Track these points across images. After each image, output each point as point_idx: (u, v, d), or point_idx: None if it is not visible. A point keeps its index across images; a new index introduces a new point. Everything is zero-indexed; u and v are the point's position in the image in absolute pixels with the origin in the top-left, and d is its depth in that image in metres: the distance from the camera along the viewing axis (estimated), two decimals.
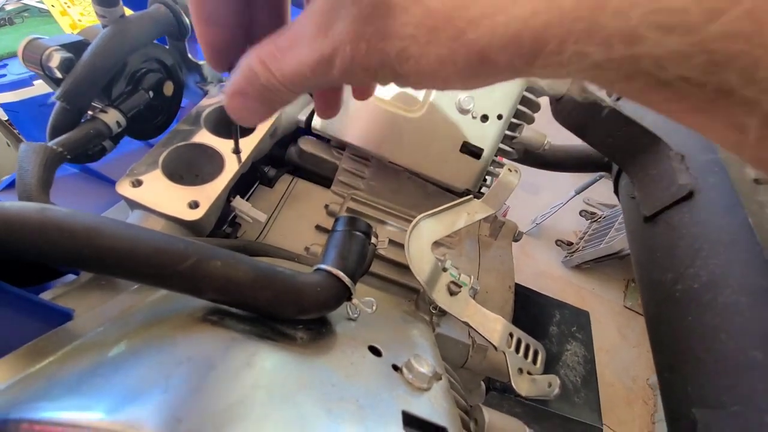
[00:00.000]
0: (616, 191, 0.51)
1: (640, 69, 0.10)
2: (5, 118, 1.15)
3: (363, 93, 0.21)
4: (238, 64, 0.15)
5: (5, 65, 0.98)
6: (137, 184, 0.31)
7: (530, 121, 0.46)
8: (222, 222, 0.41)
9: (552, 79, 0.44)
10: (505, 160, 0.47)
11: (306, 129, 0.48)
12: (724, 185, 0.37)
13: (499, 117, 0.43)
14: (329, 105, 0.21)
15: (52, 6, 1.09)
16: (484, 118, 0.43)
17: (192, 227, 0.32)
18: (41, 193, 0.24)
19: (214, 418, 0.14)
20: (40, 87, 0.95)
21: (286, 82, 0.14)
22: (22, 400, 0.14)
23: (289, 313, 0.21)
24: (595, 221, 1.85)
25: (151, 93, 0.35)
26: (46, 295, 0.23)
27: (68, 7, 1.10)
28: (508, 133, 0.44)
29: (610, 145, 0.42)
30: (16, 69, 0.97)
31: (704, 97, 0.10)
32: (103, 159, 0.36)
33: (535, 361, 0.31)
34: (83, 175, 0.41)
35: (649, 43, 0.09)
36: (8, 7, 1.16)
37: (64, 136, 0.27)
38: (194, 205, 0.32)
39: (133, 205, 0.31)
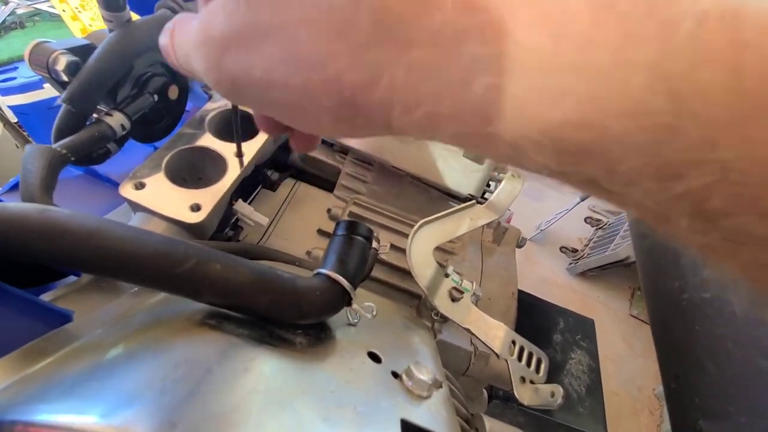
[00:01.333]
0: None
1: (499, 152, 0.09)
2: (15, 120, 1.16)
3: (302, 144, 0.20)
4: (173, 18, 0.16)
5: (16, 68, 0.99)
6: (140, 186, 0.31)
7: None
8: (224, 225, 0.41)
9: None
10: (508, 166, 0.47)
11: None
12: None
13: None
14: (306, 140, 0.20)
15: (63, 11, 1.11)
16: None
17: (194, 230, 0.32)
18: (44, 194, 0.24)
19: (210, 424, 0.14)
20: (49, 90, 0.97)
21: (178, 53, 0.15)
22: (18, 402, 0.14)
23: (288, 318, 0.21)
24: (600, 228, 1.84)
25: (156, 96, 0.35)
26: (46, 297, 0.23)
27: (79, 12, 1.12)
28: None
29: None
30: (26, 72, 0.98)
31: (577, 186, 0.09)
32: (107, 161, 0.36)
33: (538, 370, 0.30)
34: (87, 177, 0.41)
35: (504, 124, 0.09)
36: (19, 11, 1.18)
37: (68, 139, 0.28)
38: (196, 207, 0.32)
39: (136, 207, 0.31)
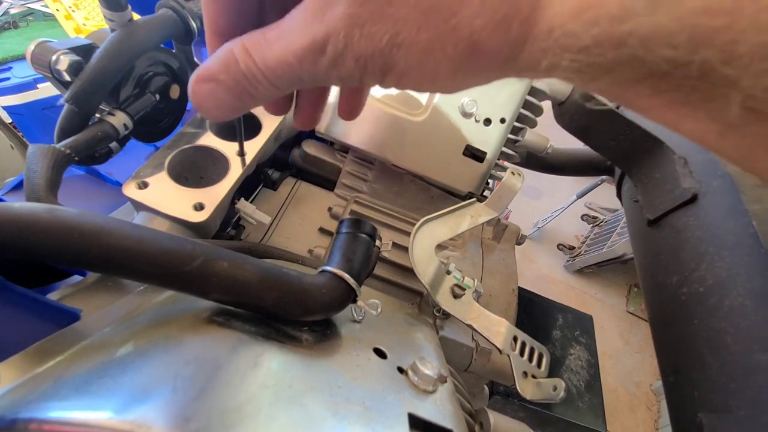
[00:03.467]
0: (618, 195, 0.51)
1: (626, 54, 0.10)
2: (9, 120, 1.15)
3: (350, 110, 0.20)
4: (220, 49, 0.14)
5: (9, 68, 0.98)
6: (143, 186, 0.31)
7: (533, 124, 0.46)
8: (226, 224, 0.41)
9: (555, 82, 0.44)
10: (507, 164, 0.47)
11: (310, 132, 0.49)
12: (727, 188, 0.37)
13: (502, 121, 0.43)
14: (313, 111, 0.20)
15: (57, 10, 1.10)
16: (487, 121, 0.43)
17: (197, 229, 0.32)
18: (49, 194, 0.24)
19: (223, 417, 0.14)
20: (44, 90, 0.96)
21: (268, 72, 0.13)
22: (30, 400, 0.14)
23: (294, 315, 0.21)
24: (596, 225, 1.85)
25: (157, 96, 0.35)
26: (53, 296, 0.23)
27: (73, 11, 1.11)
28: (510, 136, 0.44)
29: (613, 148, 0.42)
30: (21, 72, 0.97)
31: (686, 83, 0.09)
32: (108, 161, 0.36)
33: (539, 365, 0.31)
34: (89, 176, 0.41)
35: (637, 21, 0.09)
36: (13, 11, 1.17)
37: (71, 139, 0.28)
38: (199, 207, 0.32)
39: (139, 206, 0.31)
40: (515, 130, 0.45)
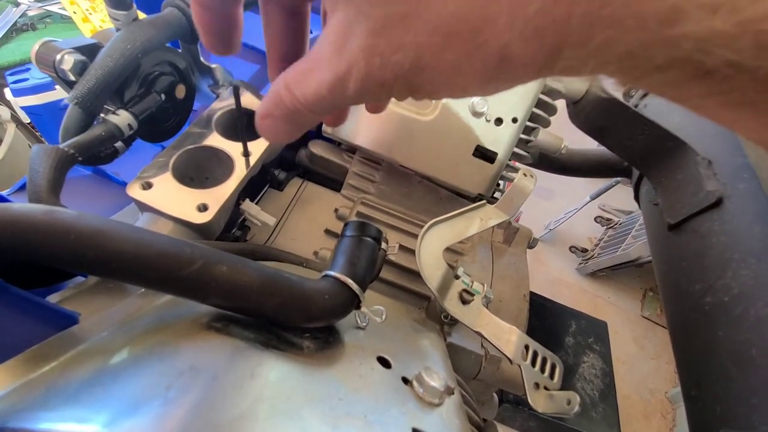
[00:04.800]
0: (636, 197, 0.49)
1: (679, 55, 0.09)
2: (27, 121, 1.18)
3: (376, 107, 0.22)
4: (270, 89, 0.16)
5: (28, 69, 1.01)
6: (147, 186, 0.31)
7: (546, 124, 0.45)
8: (231, 225, 0.41)
9: (570, 80, 0.43)
10: (519, 165, 0.46)
11: (317, 132, 0.48)
12: (754, 191, 0.35)
13: (514, 120, 0.41)
14: (337, 116, 0.21)
15: (74, 12, 1.12)
16: (499, 121, 0.42)
17: (201, 230, 0.32)
18: (51, 194, 0.24)
19: None
20: (61, 91, 0.98)
21: (308, 105, 0.15)
22: (20, 409, 0.14)
23: (295, 321, 0.21)
24: (610, 228, 1.81)
25: (163, 96, 0.35)
26: (53, 298, 0.22)
27: (90, 13, 1.13)
28: (523, 136, 0.43)
29: (631, 149, 0.41)
30: (39, 73, 0.99)
31: (752, 86, 0.09)
32: (115, 161, 0.36)
33: (552, 376, 0.29)
34: (95, 176, 0.41)
35: (693, 22, 0.08)
36: (31, 13, 1.20)
37: (75, 138, 0.27)
38: (203, 208, 0.31)
39: (143, 207, 0.31)
40: (528, 130, 0.43)
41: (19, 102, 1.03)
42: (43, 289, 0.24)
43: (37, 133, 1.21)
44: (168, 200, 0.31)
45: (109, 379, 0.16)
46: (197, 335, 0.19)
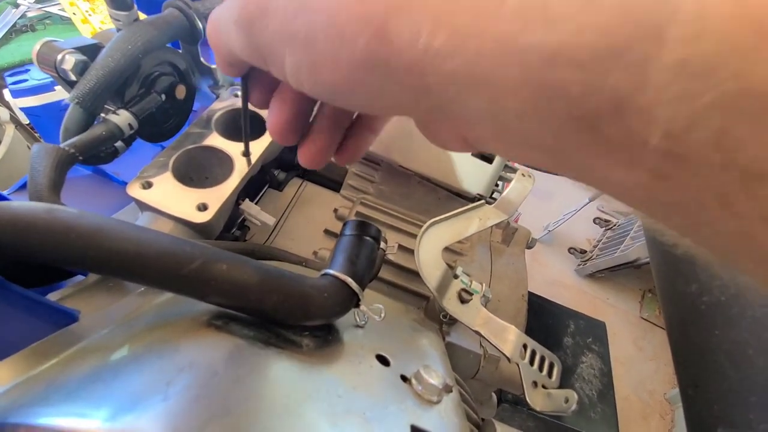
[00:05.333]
0: None
1: (532, 80, 0.08)
2: (27, 122, 1.18)
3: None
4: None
5: (27, 70, 1.00)
6: (147, 186, 0.31)
7: None
8: (231, 225, 0.41)
9: None
10: (517, 165, 0.46)
11: None
12: None
13: None
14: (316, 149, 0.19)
15: (74, 14, 1.12)
16: None
17: (200, 230, 0.32)
18: (52, 193, 0.24)
19: (214, 429, 0.13)
20: (61, 92, 0.98)
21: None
22: (21, 404, 0.14)
23: (295, 319, 0.21)
24: (609, 229, 1.81)
25: (163, 96, 0.35)
26: (53, 296, 0.23)
27: (89, 14, 1.13)
28: None
29: None
30: (38, 74, 0.99)
31: (607, 121, 0.08)
32: (116, 160, 0.36)
33: (550, 375, 0.29)
34: (95, 176, 0.41)
35: (536, 35, 0.08)
36: (30, 14, 1.20)
37: (76, 138, 0.28)
38: (203, 207, 0.31)
39: (143, 206, 0.31)
40: None
41: (18, 103, 1.03)
42: (43, 288, 0.24)
43: (36, 134, 1.21)
44: (168, 200, 0.31)
45: (109, 375, 0.16)
46: (197, 333, 0.19)
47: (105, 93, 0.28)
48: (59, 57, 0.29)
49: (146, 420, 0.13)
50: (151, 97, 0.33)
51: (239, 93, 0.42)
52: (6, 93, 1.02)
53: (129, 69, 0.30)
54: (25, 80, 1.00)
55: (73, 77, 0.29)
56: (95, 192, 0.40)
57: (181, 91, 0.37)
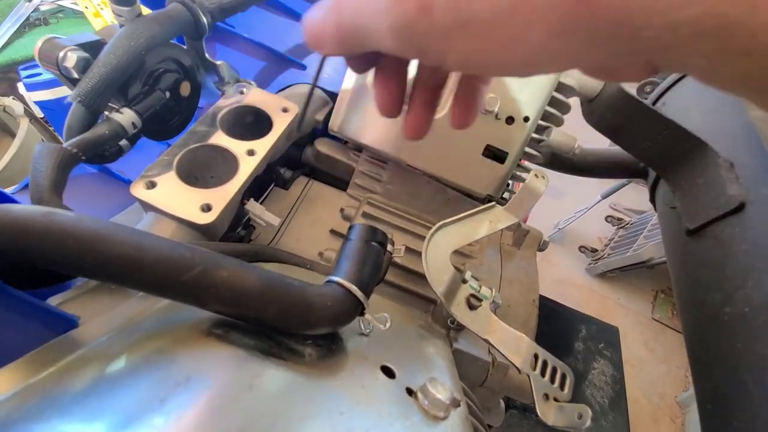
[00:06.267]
0: (652, 200, 0.47)
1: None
2: (41, 115, 1.20)
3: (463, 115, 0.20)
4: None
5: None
6: (151, 186, 0.30)
7: (559, 123, 0.43)
8: (236, 224, 0.40)
9: (584, 77, 0.41)
10: (530, 164, 0.44)
11: (323, 130, 0.47)
12: None
13: (526, 119, 0.40)
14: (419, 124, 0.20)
15: (86, 8, 1.13)
16: (510, 120, 0.40)
17: (204, 231, 0.31)
18: (53, 194, 0.23)
19: None
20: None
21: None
22: (15, 419, 0.14)
23: (297, 328, 0.20)
24: (622, 227, 1.77)
25: (167, 93, 0.34)
26: (54, 300, 0.22)
27: (101, 8, 1.13)
28: (535, 136, 0.42)
29: (648, 150, 0.39)
30: None
31: None
32: (121, 159, 0.36)
33: (562, 387, 0.28)
34: (101, 175, 0.41)
35: None
36: (43, 8, 1.21)
37: (79, 137, 0.27)
38: (207, 208, 0.31)
39: (147, 207, 0.31)
40: (540, 129, 0.42)
41: (33, 97, 1.04)
42: (44, 290, 0.23)
43: (50, 128, 1.23)
44: (172, 200, 0.30)
45: (105, 389, 0.15)
46: (196, 342, 0.19)
47: (107, 91, 0.28)
48: (61, 54, 0.28)
49: None
50: (156, 94, 0.33)
51: (245, 90, 0.41)
52: (20, 87, 1.03)
53: (132, 66, 0.29)
54: (39, 74, 1.01)
55: (75, 75, 0.29)
56: (100, 191, 0.40)
57: (185, 88, 0.36)
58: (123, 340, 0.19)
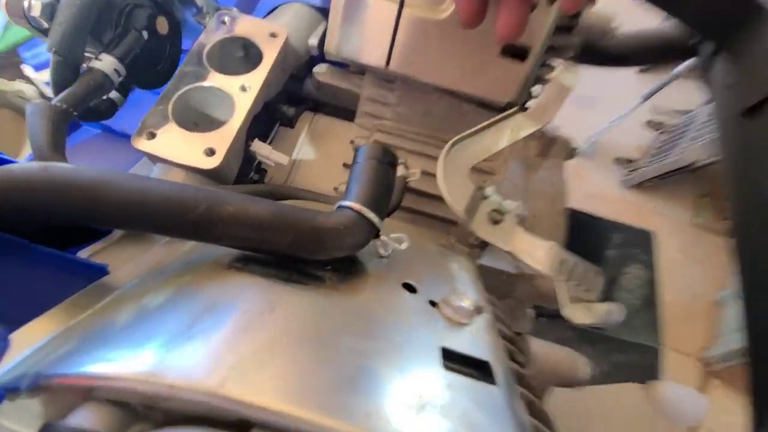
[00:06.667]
0: (706, 80, 0.41)
1: None
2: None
3: None
4: None
5: (39, 43, 0.98)
6: (151, 136, 0.30)
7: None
8: (248, 169, 0.40)
9: None
10: (557, 61, 0.39)
11: (320, 56, 0.43)
12: None
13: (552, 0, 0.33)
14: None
15: None
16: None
17: (213, 175, 0.31)
18: (54, 152, 0.23)
19: (241, 365, 0.13)
20: None
21: None
22: (56, 357, 0.15)
23: (312, 255, 0.20)
24: (664, 132, 1.62)
25: (144, 33, 0.32)
26: (84, 252, 0.23)
27: None
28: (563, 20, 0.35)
29: (705, 15, 0.32)
30: None
31: None
32: (122, 117, 0.35)
33: (592, 287, 0.28)
34: (105, 134, 0.41)
35: None
36: None
37: (66, 92, 0.26)
38: (210, 152, 0.30)
39: (153, 158, 0.30)
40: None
41: (40, 77, 1.02)
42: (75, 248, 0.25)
43: None
44: (174, 148, 0.30)
45: (138, 321, 0.16)
46: (218, 275, 0.19)
47: (79, 34, 0.26)
48: (26, 4, 0.26)
49: (172, 360, 0.13)
50: (132, 35, 0.30)
51: (227, 19, 0.37)
52: (27, 69, 1.01)
53: (98, 3, 0.27)
54: (41, 53, 0.98)
55: (45, 24, 0.27)
56: (107, 151, 0.40)
57: (162, 25, 0.33)
58: (153, 281, 0.20)
